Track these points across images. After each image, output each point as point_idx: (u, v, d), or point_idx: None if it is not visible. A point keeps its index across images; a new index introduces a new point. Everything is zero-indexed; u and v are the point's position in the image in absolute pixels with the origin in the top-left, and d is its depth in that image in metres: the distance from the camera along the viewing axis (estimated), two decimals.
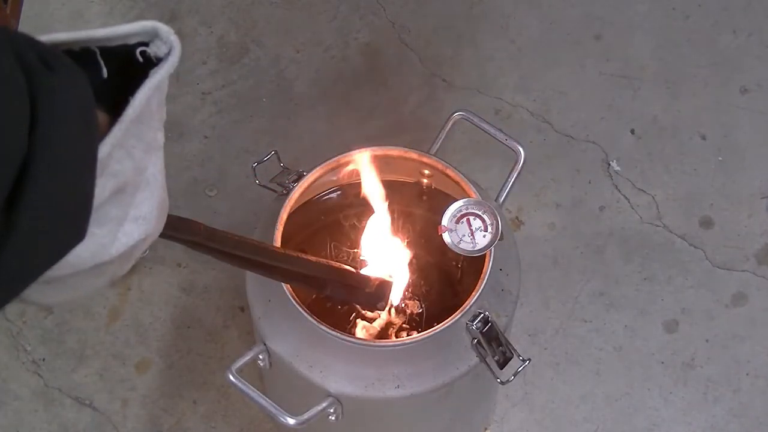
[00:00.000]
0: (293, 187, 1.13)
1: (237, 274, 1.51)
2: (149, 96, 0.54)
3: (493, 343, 1.06)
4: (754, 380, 1.47)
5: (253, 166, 1.16)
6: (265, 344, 1.09)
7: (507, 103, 1.70)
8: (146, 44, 0.56)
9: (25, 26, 1.76)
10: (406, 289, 1.21)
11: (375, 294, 1.09)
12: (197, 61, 1.75)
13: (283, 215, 1.10)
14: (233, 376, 1.04)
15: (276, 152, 1.18)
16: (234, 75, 1.74)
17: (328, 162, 1.16)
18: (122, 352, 1.49)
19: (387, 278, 1.11)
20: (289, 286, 1.05)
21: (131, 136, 0.54)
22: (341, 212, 1.25)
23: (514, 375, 1.07)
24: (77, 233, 0.51)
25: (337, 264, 1.03)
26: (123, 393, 1.46)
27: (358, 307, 1.21)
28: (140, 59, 0.56)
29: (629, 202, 1.61)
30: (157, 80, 0.55)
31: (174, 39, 0.56)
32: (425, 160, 1.17)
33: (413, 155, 1.17)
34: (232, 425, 1.44)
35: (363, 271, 1.10)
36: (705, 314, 1.52)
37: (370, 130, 1.68)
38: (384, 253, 1.18)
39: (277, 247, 0.98)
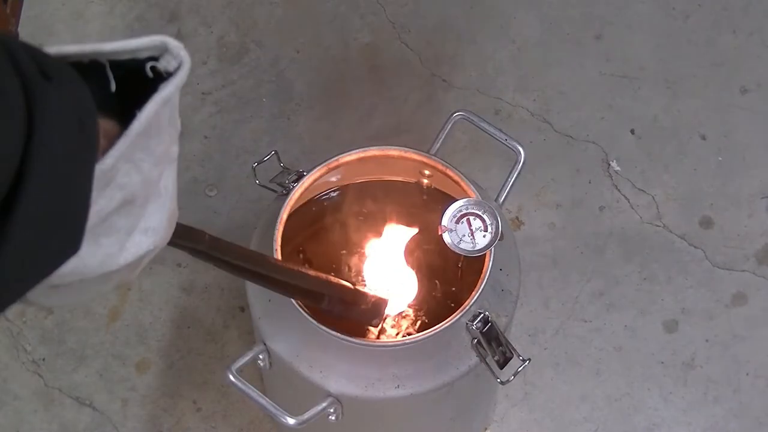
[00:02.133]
0: (293, 187, 1.13)
1: None
2: (157, 110, 0.54)
3: (493, 343, 1.06)
4: (754, 380, 1.47)
5: (253, 166, 1.16)
6: (265, 344, 1.09)
7: (507, 103, 1.70)
8: (156, 59, 0.55)
9: (25, 26, 1.76)
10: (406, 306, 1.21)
11: (371, 311, 1.09)
12: (197, 61, 1.75)
13: (283, 215, 1.10)
14: (233, 376, 1.04)
15: (276, 152, 1.18)
16: (234, 75, 1.74)
17: (328, 162, 1.16)
18: (122, 352, 1.49)
19: (383, 296, 1.11)
20: None
21: (139, 149, 0.54)
22: (341, 212, 1.25)
23: (514, 375, 1.07)
24: (72, 245, 0.51)
25: (336, 279, 1.03)
26: (123, 393, 1.46)
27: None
28: (150, 74, 0.55)
29: (629, 202, 1.61)
30: (165, 94, 0.54)
31: (184, 54, 0.56)
32: (425, 160, 1.17)
33: (413, 155, 1.17)
34: (232, 425, 1.44)
35: (360, 288, 1.10)
36: (705, 314, 1.52)
37: (370, 130, 1.68)
38: (386, 274, 1.18)
39: (278, 260, 0.98)
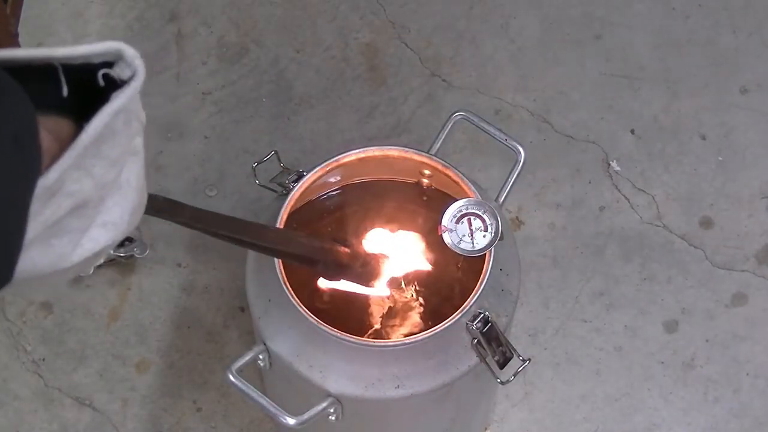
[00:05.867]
0: (293, 187, 1.13)
1: (237, 274, 1.51)
2: (107, 121, 0.53)
3: (493, 343, 1.06)
4: (754, 380, 1.47)
5: (253, 166, 1.16)
6: (265, 344, 1.09)
7: (507, 103, 1.70)
8: (111, 65, 0.54)
9: (25, 26, 1.76)
10: (408, 277, 1.20)
11: (367, 271, 1.09)
12: (197, 61, 1.75)
13: (283, 215, 1.10)
14: (233, 376, 1.04)
15: (276, 152, 1.18)
16: (234, 75, 1.74)
17: (328, 162, 1.16)
18: (122, 352, 1.49)
19: (380, 255, 1.11)
20: (288, 286, 1.05)
21: (90, 156, 0.53)
22: (341, 212, 1.25)
23: (514, 375, 1.07)
24: (1, 277, 0.49)
25: (330, 244, 1.02)
26: (123, 393, 1.46)
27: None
28: (102, 82, 0.54)
29: (629, 202, 1.61)
30: (115, 107, 0.53)
31: (139, 63, 0.54)
32: (425, 160, 1.17)
33: (413, 155, 1.17)
34: (232, 425, 1.44)
35: (354, 251, 1.10)
36: (705, 314, 1.52)
37: (370, 130, 1.68)
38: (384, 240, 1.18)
39: (266, 226, 0.97)
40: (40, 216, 0.51)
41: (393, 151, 1.17)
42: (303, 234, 1.02)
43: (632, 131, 1.68)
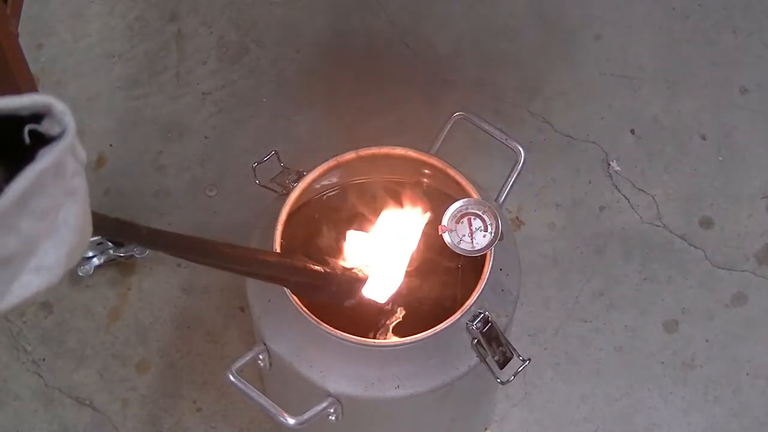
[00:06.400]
0: (293, 187, 1.13)
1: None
2: (31, 181, 0.49)
3: (493, 343, 1.06)
4: (754, 380, 1.47)
5: (253, 166, 1.16)
6: (265, 344, 1.09)
7: (507, 103, 1.70)
8: (41, 117, 0.50)
9: (25, 26, 1.76)
10: (402, 288, 1.19)
11: (342, 291, 1.06)
12: (197, 61, 1.75)
13: (283, 215, 1.10)
14: (233, 376, 1.04)
15: (276, 152, 1.18)
16: (234, 75, 1.74)
17: (328, 162, 1.16)
18: (122, 352, 1.49)
19: (358, 274, 1.08)
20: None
21: (12, 216, 0.49)
22: (341, 212, 1.25)
23: (514, 375, 1.07)
24: None
25: (302, 263, 0.99)
26: (123, 393, 1.46)
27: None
28: (27, 139, 0.50)
29: (629, 202, 1.61)
30: (39, 168, 0.49)
31: (68, 120, 0.51)
32: (425, 160, 1.17)
33: (413, 155, 1.17)
34: (232, 425, 1.44)
35: (328, 270, 1.05)
36: (705, 314, 1.52)
37: (370, 130, 1.68)
38: (375, 247, 1.15)
39: (230, 245, 0.91)
40: None
41: (393, 151, 1.17)
42: (272, 252, 0.98)
43: (632, 131, 1.68)
